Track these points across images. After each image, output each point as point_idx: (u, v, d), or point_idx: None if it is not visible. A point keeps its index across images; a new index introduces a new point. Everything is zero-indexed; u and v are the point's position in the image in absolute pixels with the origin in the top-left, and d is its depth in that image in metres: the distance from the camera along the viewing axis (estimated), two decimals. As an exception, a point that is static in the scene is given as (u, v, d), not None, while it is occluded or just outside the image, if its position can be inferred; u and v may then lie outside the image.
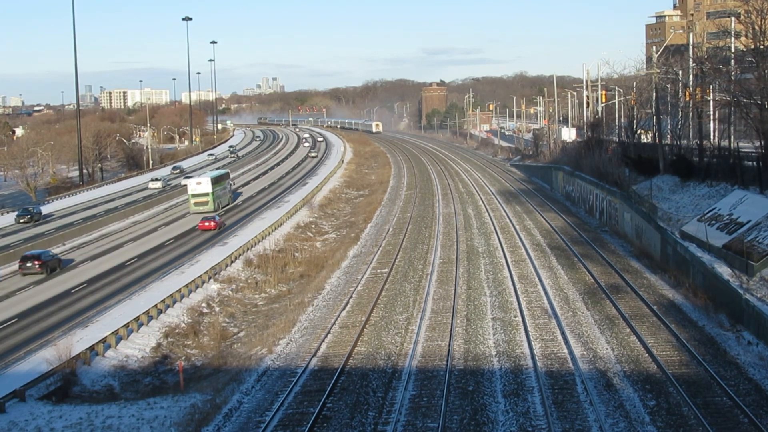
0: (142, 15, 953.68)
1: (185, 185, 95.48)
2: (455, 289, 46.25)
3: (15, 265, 60.35)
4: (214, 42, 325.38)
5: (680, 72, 76.71)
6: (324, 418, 28.73)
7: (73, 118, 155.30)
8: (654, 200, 61.96)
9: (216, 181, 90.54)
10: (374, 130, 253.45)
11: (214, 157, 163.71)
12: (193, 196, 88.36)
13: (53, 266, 59.73)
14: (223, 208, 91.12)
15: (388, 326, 39.97)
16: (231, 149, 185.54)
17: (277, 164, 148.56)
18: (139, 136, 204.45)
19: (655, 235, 52.84)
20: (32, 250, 61.93)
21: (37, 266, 58.14)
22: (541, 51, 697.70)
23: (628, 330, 37.31)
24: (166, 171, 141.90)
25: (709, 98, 67.72)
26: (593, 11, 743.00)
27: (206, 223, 77.14)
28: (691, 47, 74.80)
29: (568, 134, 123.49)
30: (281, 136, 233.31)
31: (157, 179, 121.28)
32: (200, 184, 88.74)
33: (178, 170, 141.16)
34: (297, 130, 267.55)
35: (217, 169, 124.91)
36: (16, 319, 46.98)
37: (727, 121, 62.78)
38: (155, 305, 47.49)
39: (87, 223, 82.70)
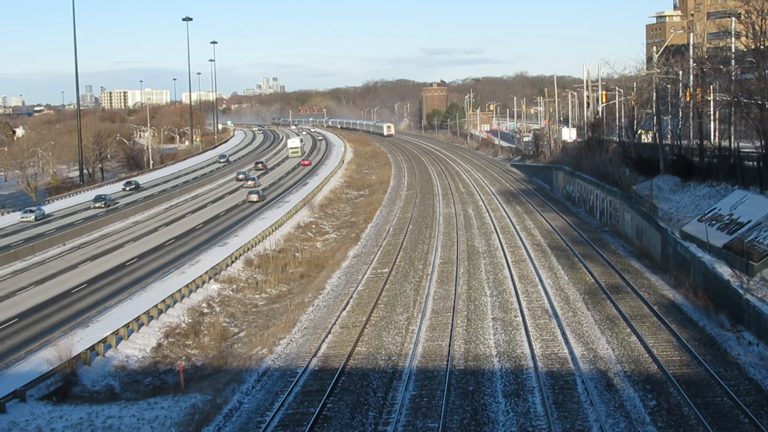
0: (142, 15, 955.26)
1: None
2: (455, 289, 46.23)
3: None
4: (214, 42, 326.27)
5: (680, 72, 76.71)
6: (324, 418, 28.72)
7: (74, 118, 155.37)
8: (654, 200, 61.96)
9: (300, 141, 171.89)
10: (386, 132, 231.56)
11: (103, 202, 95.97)
12: (290, 148, 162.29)
13: None
14: (304, 153, 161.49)
15: (389, 326, 39.96)
16: (124, 187, 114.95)
17: (278, 164, 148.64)
18: (140, 136, 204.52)
19: (655, 235, 52.83)
20: None
21: None
22: (541, 51, 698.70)
23: (629, 330, 37.30)
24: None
25: (709, 98, 67.73)
26: (593, 11, 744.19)
27: (305, 162, 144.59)
28: (691, 47, 74.82)
29: (569, 134, 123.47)
30: (281, 137, 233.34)
31: None
32: (294, 142, 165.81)
33: (31, 213, 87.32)
34: (304, 132, 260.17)
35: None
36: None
37: (728, 121, 62.77)
38: (156, 305, 47.48)
39: None
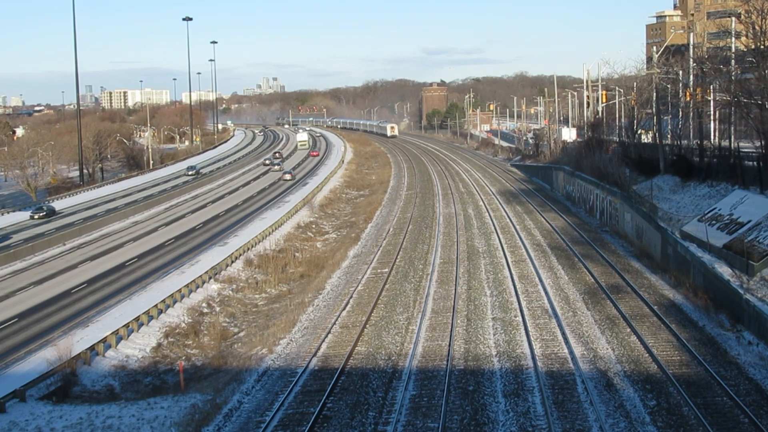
0: (142, 15, 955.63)
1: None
2: (455, 289, 46.23)
3: None
4: (214, 42, 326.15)
5: (680, 72, 76.70)
6: (324, 418, 28.72)
7: (74, 118, 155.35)
8: (654, 200, 61.95)
9: (308, 136, 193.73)
10: (389, 133, 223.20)
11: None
12: (299, 141, 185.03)
13: None
14: (310, 147, 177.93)
15: (389, 326, 39.96)
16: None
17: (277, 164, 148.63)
18: (140, 136, 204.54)
19: (655, 235, 52.83)
20: None
21: None
22: (541, 51, 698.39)
23: (629, 330, 37.30)
24: None
25: (709, 98, 67.73)
26: (593, 11, 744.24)
27: (313, 153, 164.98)
28: (691, 47, 74.83)
29: (569, 134, 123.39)
30: (281, 136, 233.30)
31: None
32: (302, 136, 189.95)
33: None
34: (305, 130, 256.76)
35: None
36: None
37: (728, 121, 62.76)
38: (155, 305, 47.48)
39: None
